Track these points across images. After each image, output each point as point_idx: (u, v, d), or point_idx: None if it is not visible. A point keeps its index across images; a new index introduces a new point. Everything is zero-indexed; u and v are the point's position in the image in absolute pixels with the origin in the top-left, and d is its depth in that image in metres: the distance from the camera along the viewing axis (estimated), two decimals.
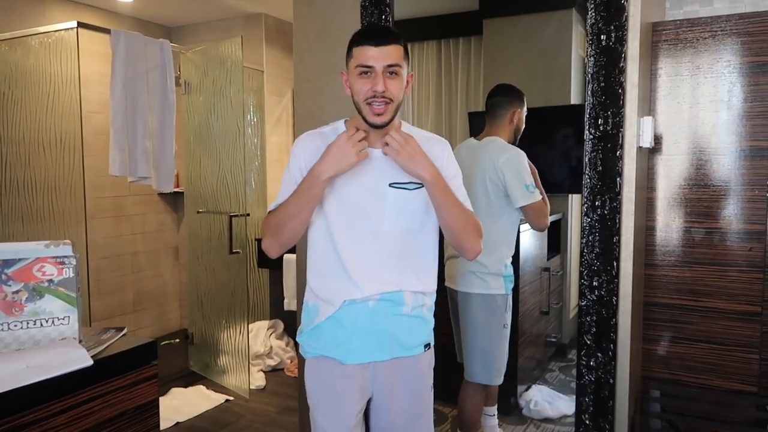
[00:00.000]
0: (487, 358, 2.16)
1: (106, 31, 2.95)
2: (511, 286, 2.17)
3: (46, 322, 1.38)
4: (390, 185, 1.43)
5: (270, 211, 1.47)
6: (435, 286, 1.53)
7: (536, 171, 2.12)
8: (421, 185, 1.42)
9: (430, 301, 1.52)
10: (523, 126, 2.22)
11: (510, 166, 2.06)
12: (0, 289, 1.34)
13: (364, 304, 1.43)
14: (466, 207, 1.46)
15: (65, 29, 2.82)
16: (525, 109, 2.21)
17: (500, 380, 2.19)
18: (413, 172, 1.38)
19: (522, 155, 2.09)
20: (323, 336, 1.47)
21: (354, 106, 1.42)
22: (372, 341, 1.44)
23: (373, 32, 1.39)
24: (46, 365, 1.25)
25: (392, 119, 1.41)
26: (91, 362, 1.30)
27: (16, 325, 1.36)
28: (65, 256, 1.40)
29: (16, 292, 1.35)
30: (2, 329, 1.34)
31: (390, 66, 1.36)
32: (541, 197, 2.07)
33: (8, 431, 1.16)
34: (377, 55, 1.35)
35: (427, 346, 1.52)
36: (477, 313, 2.15)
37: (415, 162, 1.37)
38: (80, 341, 1.40)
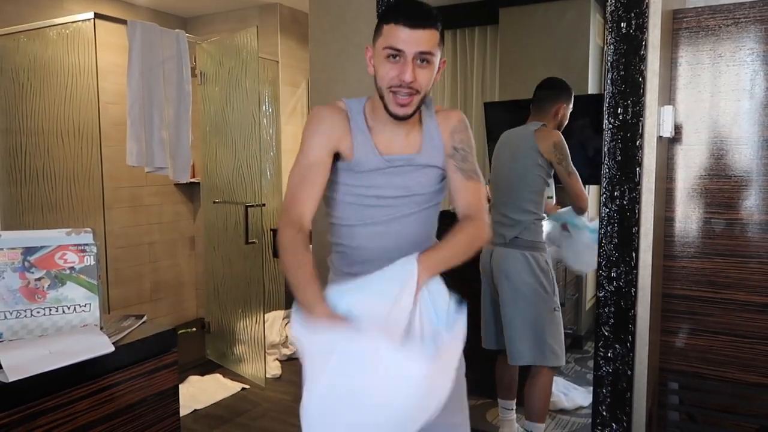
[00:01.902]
0: (544, 332, 2.18)
1: (123, 22, 2.96)
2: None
3: (68, 309, 1.40)
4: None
5: (285, 207, 1.30)
6: None
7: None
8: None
9: None
10: (566, 122, 2.29)
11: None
12: (23, 276, 1.36)
13: None
14: (457, 242, 1.26)
15: (82, 20, 2.84)
16: (571, 105, 2.28)
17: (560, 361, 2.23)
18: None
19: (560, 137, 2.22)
20: None
21: (376, 89, 1.29)
22: None
23: (410, 11, 1.21)
24: (68, 351, 1.27)
25: (416, 112, 1.29)
26: (112, 348, 1.32)
27: (38, 312, 1.38)
28: (86, 244, 1.41)
29: (39, 279, 1.37)
30: (25, 316, 1.37)
31: (423, 53, 1.22)
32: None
33: (31, 416, 1.19)
34: (410, 39, 1.20)
35: None
36: (526, 278, 2.18)
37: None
38: (101, 328, 1.42)
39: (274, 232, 3.89)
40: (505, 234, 2.22)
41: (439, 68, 1.29)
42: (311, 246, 1.42)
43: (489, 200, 2.23)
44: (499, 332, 2.29)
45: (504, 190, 2.28)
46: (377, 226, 1.35)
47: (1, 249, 1.35)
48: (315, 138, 1.32)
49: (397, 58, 1.23)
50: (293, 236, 1.23)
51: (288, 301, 4.03)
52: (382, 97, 1.28)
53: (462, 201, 1.35)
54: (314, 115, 1.35)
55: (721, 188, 2.04)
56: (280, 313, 3.85)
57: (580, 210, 2.24)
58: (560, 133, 2.20)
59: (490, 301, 2.33)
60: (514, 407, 2.35)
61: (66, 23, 2.89)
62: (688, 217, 2.09)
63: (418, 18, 1.20)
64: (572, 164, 2.18)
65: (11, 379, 1.16)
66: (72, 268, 1.40)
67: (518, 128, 2.28)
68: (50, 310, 1.39)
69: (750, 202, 2.00)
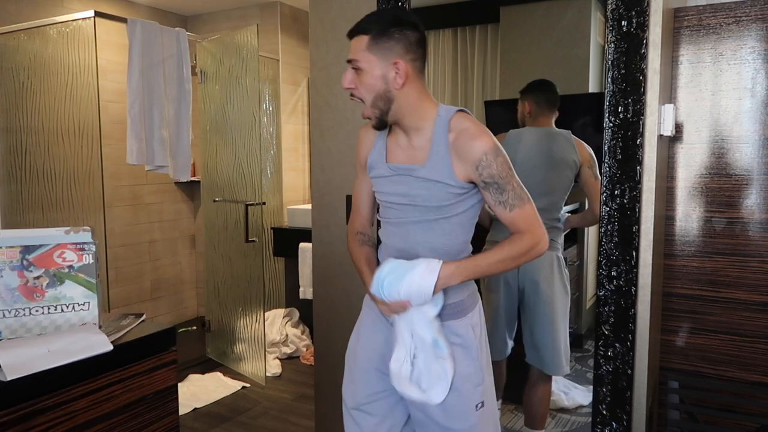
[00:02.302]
0: (562, 341, 2.18)
1: (123, 20, 2.96)
2: None
3: (67, 307, 1.40)
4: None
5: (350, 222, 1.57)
6: None
7: None
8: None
9: None
10: None
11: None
12: (21, 274, 1.36)
13: None
14: (494, 255, 1.31)
15: (83, 19, 2.84)
16: None
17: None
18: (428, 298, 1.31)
19: None
20: None
21: None
22: None
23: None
24: (67, 350, 1.26)
25: (382, 120, 1.32)
26: (111, 347, 1.32)
27: (37, 311, 1.38)
28: (85, 243, 1.41)
29: (38, 277, 1.37)
30: (24, 314, 1.36)
31: (349, 60, 1.29)
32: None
33: (30, 414, 1.19)
34: (350, 49, 1.31)
35: None
36: (557, 282, 2.18)
37: (424, 290, 1.29)
38: (100, 327, 1.42)
39: (275, 230, 3.89)
40: None
41: (387, 75, 1.28)
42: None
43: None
44: (510, 335, 2.30)
45: (538, 196, 2.27)
46: (392, 226, 1.43)
47: (0, 247, 1.34)
48: (356, 155, 1.52)
49: None
50: (352, 239, 1.52)
51: (288, 299, 4.03)
52: None
53: (513, 229, 1.35)
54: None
55: (722, 187, 2.03)
56: (280, 311, 3.85)
57: (596, 216, 2.24)
58: None
59: (508, 313, 2.30)
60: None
61: (66, 21, 2.89)
62: (688, 216, 2.08)
63: (351, 29, 1.31)
64: None
65: (10, 377, 1.16)
66: (71, 267, 1.40)
67: (545, 131, 2.27)
68: (49, 308, 1.39)
69: (751, 201, 1.99)
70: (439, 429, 1.40)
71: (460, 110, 1.34)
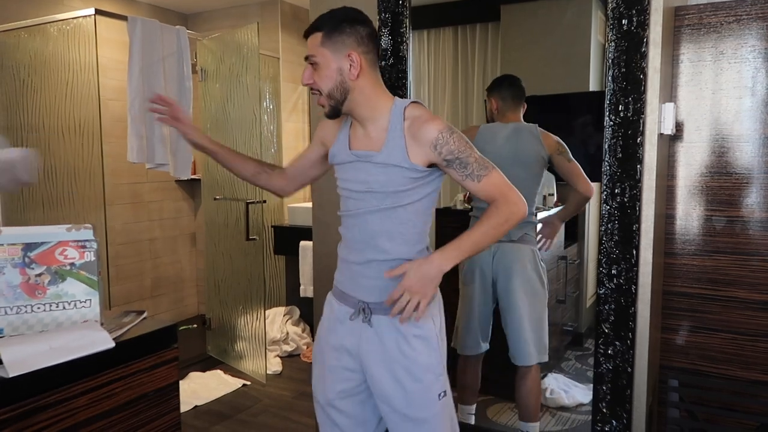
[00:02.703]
0: (543, 329, 2.22)
1: (123, 18, 2.96)
2: None
3: (69, 304, 1.40)
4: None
5: None
6: None
7: None
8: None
9: None
10: None
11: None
12: (23, 272, 1.36)
13: None
14: (490, 224, 1.37)
15: (83, 16, 2.84)
16: None
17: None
18: (439, 275, 1.37)
19: None
20: None
21: None
22: None
23: None
24: (68, 347, 1.27)
25: (335, 110, 1.40)
26: (113, 344, 1.32)
27: (39, 308, 1.38)
28: (86, 240, 1.42)
29: (39, 275, 1.38)
30: (26, 311, 1.37)
31: (306, 57, 1.39)
32: None
33: (31, 411, 1.19)
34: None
35: None
36: (531, 274, 2.21)
37: (428, 275, 1.35)
38: (102, 324, 1.42)
39: (275, 228, 3.89)
40: (513, 232, 2.22)
41: (342, 68, 1.36)
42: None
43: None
44: (484, 336, 2.30)
45: None
46: (351, 218, 1.48)
47: (2, 245, 1.35)
48: (315, 133, 1.62)
49: None
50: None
51: (289, 297, 4.03)
52: None
53: (486, 199, 1.41)
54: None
55: (722, 185, 2.03)
56: (281, 309, 3.85)
57: (588, 196, 2.23)
58: None
59: (483, 302, 2.31)
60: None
61: (67, 19, 2.89)
62: (689, 215, 2.09)
63: (307, 29, 1.41)
64: None
65: (12, 374, 1.16)
66: (72, 264, 1.41)
67: (512, 123, 2.29)
68: (50, 305, 1.39)
69: (751, 200, 2.00)
70: (404, 419, 1.45)
71: (414, 101, 1.43)
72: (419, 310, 1.35)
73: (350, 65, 1.36)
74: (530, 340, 2.20)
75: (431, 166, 1.39)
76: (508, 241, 2.24)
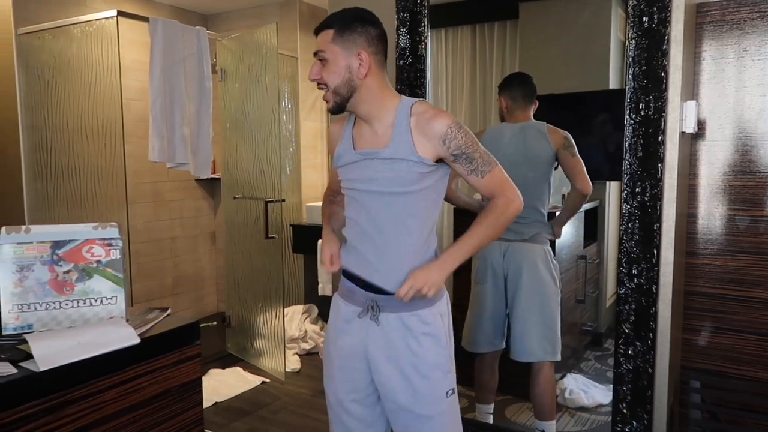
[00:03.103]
0: (553, 328, 2.21)
1: (145, 19, 3.00)
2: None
3: (95, 301, 1.43)
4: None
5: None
6: None
7: None
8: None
9: None
10: None
11: (570, 139, 2.20)
12: (52, 269, 1.40)
13: None
14: (488, 220, 1.42)
15: (106, 18, 2.89)
16: None
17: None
18: (443, 277, 1.41)
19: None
20: None
21: None
22: None
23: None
24: (96, 342, 1.30)
25: (340, 106, 1.41)
26: (138, 340, 1.35)
27: (67, 304, 1.41)
28: (112, 238, 1.44)
29: (67, 272, 1.41)
30: (54, 308, 1.40)
31: (316, 53, 1.41)
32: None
33: (60, 405, 1.22)
34: (316, 44, 1.42)
35: None
36: (542, 272, 2.20)
37: (435, 279, 1.39)
38: (127, 320, 1.45)
39: (294, 227, 3.92)
40: (524, 231, 2.22)
41: (352, 65, 1.38)
42: None
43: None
44: (497, 333, 2.30)
45: (521, 190, 2.28)
46: (356, 213, 1.48)
47: (31, 243, 1.38)
48: (329, 150, 1.61)
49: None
50: (325, 198, 1.71)
51: (307, 296, 4.06)
52: None
53: (487, 193, 1.46)
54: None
55: (746, 185, 2.01)
56: (300, 307, 3.88)
57: (585, 193, 2.23)
58: None
59: (494, 300, 2.31)
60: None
61: (90, 21, 2.94)
62: (711, 214, 2.06)
63: (318, 27, 1.42)
64: None
65: (42, 368, 1.19)
66: (99, 262, 1.44)
67: (520, 123, 2.29)
68: (78, 302, 1.42)
69: None
70: (412, 416, 1.46)
71: (420, 100, 1.45)
72: (428, 294, 1.39)
73: (359, 64, 1.38)
74: (534, 337, 2.20)
75: (438, 161, 1.41)
76: (520, 240, 2.24)
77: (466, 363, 2.35)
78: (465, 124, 1.44)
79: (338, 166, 1.51)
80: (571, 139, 2.20)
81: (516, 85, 2.33)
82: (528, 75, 2.37)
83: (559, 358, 2.22)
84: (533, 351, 2.21)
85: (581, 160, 2.19)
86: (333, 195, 1.69)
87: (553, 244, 2.30)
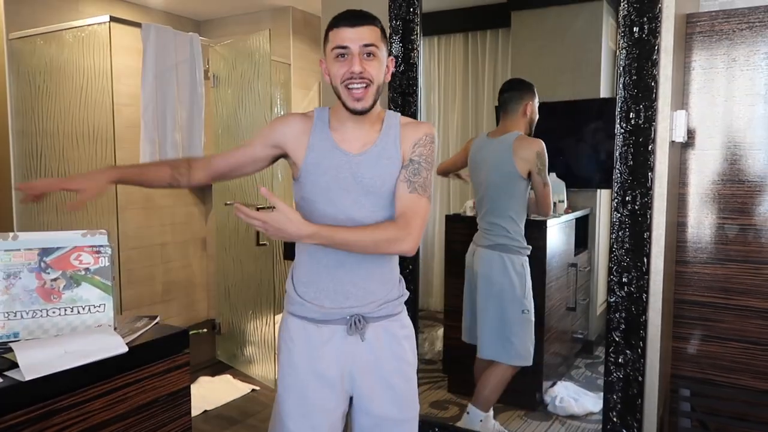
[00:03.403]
0: (510, 334, 2.26)
1: (138, 25, 2.99)
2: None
3: (83, 309, 1.42)
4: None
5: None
6: None
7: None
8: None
9: None
10: (537, 117, 2.28)
11: (542, 157, 2.18)
12: (39, 276, 1.38)
13: None
14: (373, 233, 1.33)
15: (98, 23, 2.87)
16: (536, 100, 2.28)
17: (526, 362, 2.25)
18: (291, 239, 1.30)
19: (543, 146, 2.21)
20: None
21: (334, 91, 1.38)
22: None
23: (349, 14, 1.35)
24: (83, 351, 1.28)
25: (373, 105, 1.37)
26: (126, 349, 1.34)
27: (54, 312, 1.40)
28: (101, 246, 1.43)
29: (55, 279, 1.39)
30: (41, 316, 1.39)
31: (366, 46, 1.32)
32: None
33: (47, 414, 1.21)
34: (353, 36, 1.32)
35: None
36: (498, 279, 2.24)
37: (286, 233, 1.26)
38: (115, 328, 1.44)
39: None
40: (490, 238, 2.28)
41: (388, 66, 1.40)
42: None
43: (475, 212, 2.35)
44: (474, 327, 2.36)
45: (487, 199, 2.33)
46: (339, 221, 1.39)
47: (18, 250, 1.37)
48: (265, 133, 1.46)
49: (345, 55, 1.33)
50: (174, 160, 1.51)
51: None
52: (339, 97, 1.37)
53: (398, 210, 1.38)
54: (278, 118, 1.49)
55: (735, 193, 2.02)
56: None
57: (544, 214, 2.28)
58: (542, 141, 2.20)
59: (470, 296, 2.39)
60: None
61: (82, 26, 2.93)
62: (700, 223, 2.08)
63: (356, 18, 1.34)
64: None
65: (28, 378, 1.18)
66: (87, 269, 1.42)
67: (495, 138, 2.30)
68: (65, 310, 1.41)
69: (764, 208, 1.99)
70: (390, 424, 1.45)
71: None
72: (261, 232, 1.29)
73: (387, 68, 1.40)
74: (486, 336, 2.27)
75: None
76: (484, 246, 2.30)
77: (460, 371, 2.35)
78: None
79: (308, 172, 1.40)
80: (544, 156, 2.19)
81: (502, 92, 2.33)
82: (515, 80, 2.36)
83: (513, 363, 2.26)
84: (484, 348, 2.29)
85: (550, 187, 2.21)
86: (191, 163, 1.48)
87: (543, 252, 2.31)
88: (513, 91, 2.29)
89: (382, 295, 1.44)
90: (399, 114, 1.47)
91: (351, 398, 1.49)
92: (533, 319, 2.27)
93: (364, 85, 1.33)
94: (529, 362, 2.26)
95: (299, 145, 1.42)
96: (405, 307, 1.53)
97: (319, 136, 1.41)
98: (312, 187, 1.41)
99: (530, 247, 2.27)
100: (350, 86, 1.33)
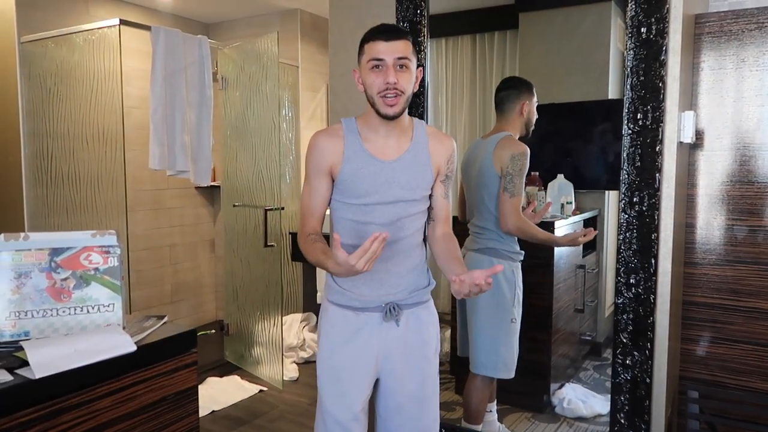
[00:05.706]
0: (495, 345, 2.19)
1: (147, 28, 3.02)
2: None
3: (93, 308, 1.44)
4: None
5: (301, 224, 1.57)
6: None
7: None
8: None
9: None
10: (535, 117, 2.21)
11: (517, 162, 2.08)
12: (49, 276, 1.40)
13: None
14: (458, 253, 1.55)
15: (108, 27, 2.90)
16: (535, 100, 2.21)
17: (508, 374, 2.20)
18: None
19: (527, 155, 2.09)
20: None
21: (367, 101, 1.49)
22: None
23: (384, 28, 1.46)
24: (92, 350, 1.30)
25: (403, 111, 1.48)
26: (135, 348, 1.35)
27: (64, 311, 1.41)
28: (110, 246, 1.45)
29: (65, 279, 1.41)
30: (51, 315, 1.40)
31: (400, 59, 1.43)
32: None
33: (56, 412, 1.22)
34: (387, 49, 1.42)
35: None
36: (484, 299, 2.15)
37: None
38: (124, 328, 1.45)
39: (293, 235, 3.92)
40: (480, 242, 2.21)
41: (417, 77, 1.50)
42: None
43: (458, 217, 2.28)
44: (466, 339, 2.29)
45: (477, 202, 2.24)
46: (378, 225, 1.53)
47: (29, 250, 1.38)
48: (312, 161, 1.56)
49: (380, 66, 1.44)
50: (304, 240, 1.54)
51: (306, 304, 4.05)
52: (373, 105, 1.48)
53: (440, 213, 1.62)
54: (310, 143, 1.58)
55: (744, 194, 2.01)
56: (298, 316, 3.87)
57: (504, 231, 2.13)
58: (525, 146, 2.09)
59: (460, 306, 2.31)
60: (495, 408, 2.35)
61: (92, 29, 2.96)
62: (709, 224, 2.07)
63: (391, 32, 1.45)
64: (521, 186, 2.08)
65: (38, 375, 1.19)
66: (96, 269, 1.44)
67: (485, 139, 2.22)
68: (75, 309, 1.42)
69: None
70: (415, 402, 1.58)
71: None
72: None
73: (415, 79, 1.49)
74: (480, 351, 2.19)
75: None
76: (473, 249, 2.22)
77: (467, 373, 2.34)
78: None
79: (347, 179, 1.50)
80: (520, 160, 2.06)
81: (497, 94, 2.25)
82: (512, 78, 2.31)
83: (501, 376, 2.19)
84: (473, 362, 2.21)
85: (517, 193, 2.07)
86: (314, 234, 1.55)
87: (551, 254, 2.28)
88: (510, 89, 2.21)
89: (412, 283, 1.56)
90: (424, 122, 1.61)
91: (376, 381, 1.61)
92: (518, 328, 2.19)
93: (396, 95, 1.44)
94: (512, 375, 2.19)
95: (336, 160, 1.52)
96: (431, 297, 1.64)
97: (352, 147, 1.51)
98: (350, 192, 1.52)
99: (523, 252, 2.18)
100: (385, 95, 1.44)
